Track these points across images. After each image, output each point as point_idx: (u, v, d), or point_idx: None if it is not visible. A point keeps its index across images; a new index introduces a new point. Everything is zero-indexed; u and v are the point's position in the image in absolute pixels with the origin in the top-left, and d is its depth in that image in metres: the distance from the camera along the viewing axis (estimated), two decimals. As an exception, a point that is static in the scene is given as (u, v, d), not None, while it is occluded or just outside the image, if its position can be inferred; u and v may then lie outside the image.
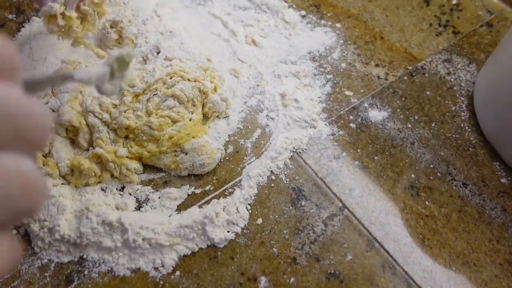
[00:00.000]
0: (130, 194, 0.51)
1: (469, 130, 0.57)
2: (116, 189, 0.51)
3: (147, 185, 0.51)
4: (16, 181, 0.20)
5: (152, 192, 0.51)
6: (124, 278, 0.46)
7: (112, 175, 0.51)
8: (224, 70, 0.60)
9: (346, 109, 0.58)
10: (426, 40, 0.66)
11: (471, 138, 0.56)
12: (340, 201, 0.51)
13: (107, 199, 0.49)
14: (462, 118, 0.58)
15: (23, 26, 0.65)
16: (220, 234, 0.47)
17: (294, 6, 0.69)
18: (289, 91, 0.58)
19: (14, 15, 0.67)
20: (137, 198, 0.51)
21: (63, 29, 0.50)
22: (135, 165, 0.51)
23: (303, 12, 0.68)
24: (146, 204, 0.50)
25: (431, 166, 0.54)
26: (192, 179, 0.52)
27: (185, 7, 0.68)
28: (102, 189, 0.51)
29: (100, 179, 0.51)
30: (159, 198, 0.51)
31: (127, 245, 0.46)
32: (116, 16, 0.58)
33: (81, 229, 0.46)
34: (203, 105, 0.55)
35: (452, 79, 0.62)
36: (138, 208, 0.50)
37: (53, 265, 0.46)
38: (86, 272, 0.46)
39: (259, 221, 0.49)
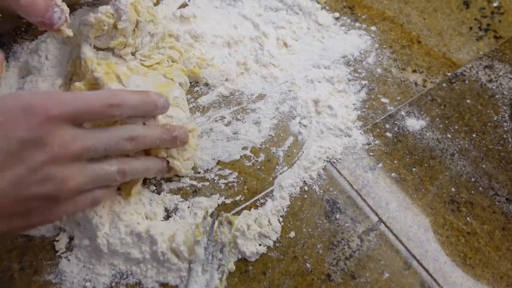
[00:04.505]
0: (158, 203, 0.49)
1: (513, 141, 0.54)
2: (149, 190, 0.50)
3: (176, 194, 0.50)
4: None
5: (181, 201, 0.49)
6: (152, 291, 0.44)
7: None
8: (256, 75, 0.58)
9: (382, 117, 0.56)
10: (466, 44, 0.63)
11: (515, 151, 0.53)
12: (376, 215, 0.49)
13: (137, 207, 0.47)
14: (505, 128, 0.55)
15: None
16: (251, 248, 0.46)
17: (327, 8, 0.66)
18: (323, 97, 0.56)
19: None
20: (165, 208, 0.49)
21: None
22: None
23: (337, 14, 0.65)
24: (175, 214, 0.49)
25: (472, 179, 0.51)
26: (223, 188, 0.50)
27: (215, 8, 0.66)
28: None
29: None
30: (189, 207, 0.49)
31: (155, 258, 0.44)
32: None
33: (110, 240, 0.45)
34: None
35: (493, 87, 0.59)
36: (167, 217, 0.48)
37: (80, 275, 0.45)
38: (113, 284, 0.44)
39: (292, 234, 0.47)
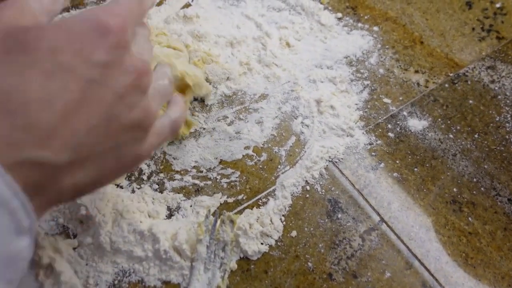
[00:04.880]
0: (161, 202, 0.49)
1: (515, 142, 0.54)
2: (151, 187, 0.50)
3: (178, 193, 0.50)
4: None
5: (184, 200, 0.50)
6: (154, 289, 0.45)
7: None
8: (259, 75, 0.58)
9: (384, 117, 0.56)
10: (468, 45, 0.63)
11: (517, 151, 0.53)
12: (378, 214, 0.49)
13: (140, 206, 0.48)
14: (507, 129, 0.55)
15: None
16: (253, 246, 0.46)
17: (330, 8, 0.66)
18: (325, 97, 0.56)
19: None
20: (168, 206, 0.49)
21: None
22: None
23: (339, 15, 0.65)
24: (178, 212, 0.49)
25: (474, 180, 0.51)
26: (225, 187, 0.51)
27: (218, 8, 0.66)
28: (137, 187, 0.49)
29: None
30: (191, 206, 0.49)
31: (158, 256, 0.45)
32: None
33: (112, 238, 0.45)
34: None
35: (496, 88, 0.59)
36: (169, 216, 0.49)
37: (83, 273, 0.45)
38: (116, 282, 0.45)
39: (294, 233, 0.47)
